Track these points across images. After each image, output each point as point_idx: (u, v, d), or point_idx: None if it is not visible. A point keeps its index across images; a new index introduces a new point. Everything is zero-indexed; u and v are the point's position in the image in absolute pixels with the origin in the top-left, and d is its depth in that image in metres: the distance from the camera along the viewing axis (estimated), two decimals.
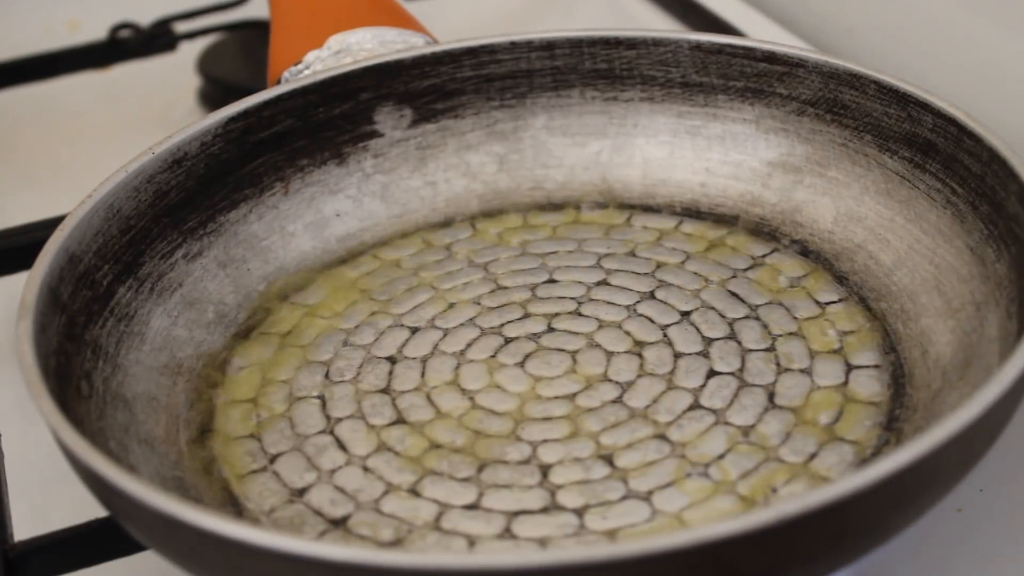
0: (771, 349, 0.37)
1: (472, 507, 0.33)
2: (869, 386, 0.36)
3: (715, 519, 0.32)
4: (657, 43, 0.44)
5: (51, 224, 0.38)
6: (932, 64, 0.55)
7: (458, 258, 0.42)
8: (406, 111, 0.45)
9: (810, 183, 0.42)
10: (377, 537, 0.32)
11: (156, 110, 0.62)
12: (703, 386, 0.36)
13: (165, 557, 0.30)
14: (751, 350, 0.37)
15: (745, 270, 0.41)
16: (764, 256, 0.41)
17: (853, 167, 0.41)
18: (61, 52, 0.62)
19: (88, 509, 0.33)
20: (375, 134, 0.45)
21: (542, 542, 0.32)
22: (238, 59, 0.63)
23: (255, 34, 0.64)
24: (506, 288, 0.41)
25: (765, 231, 0.42)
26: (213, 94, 0.62)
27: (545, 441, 0.35)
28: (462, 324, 0.39)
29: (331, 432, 0.36)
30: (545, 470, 0.34)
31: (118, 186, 0.38)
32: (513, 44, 0.45)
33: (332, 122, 0.44)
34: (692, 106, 0.44)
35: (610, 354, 0.37)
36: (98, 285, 0.37)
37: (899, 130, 0.40)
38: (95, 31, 0.63)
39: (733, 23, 0.59)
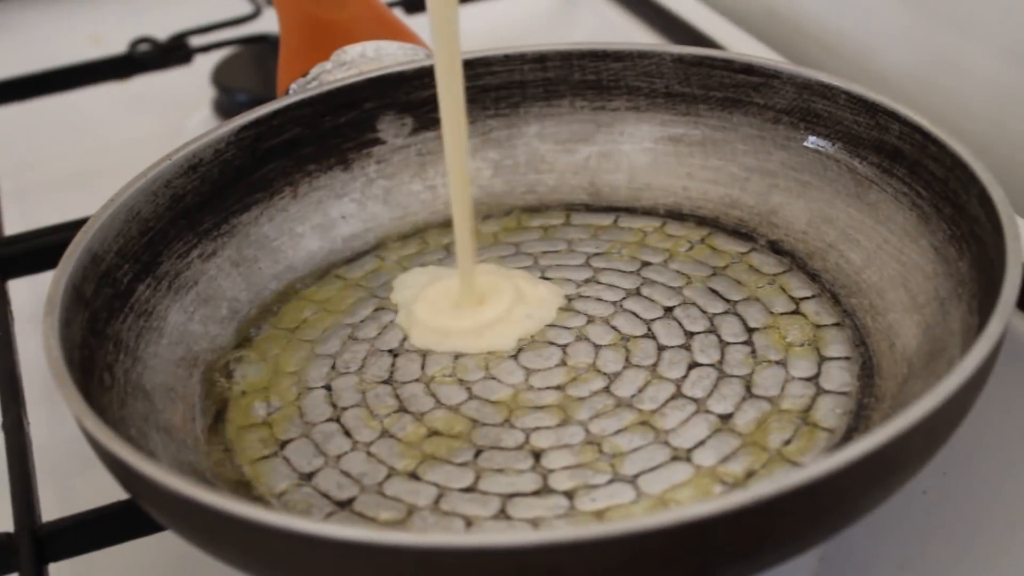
0: (748, 342, 0.37)
1: (469, 490, 0.33)
2: (840, 377, 0.36)
3: (696, 500, 0.32)
4: (642, 55, 0.44)
5: (75, 226, 0.38)
6: (901, 75, 0.55)
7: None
8: (407, 120, 0.45)
9: (785, 187, 0.42)
10: (380, 518, 0.32)
11: (173, 119, 0.62)
12: (685, 376, 0.36)
13: (182, 537, 0.30)
14: (730, 343, 0.37)
15: (724, 268, 0.41)
16: (742, 255, 0.41)
17: (825, 172, 0.41)
18: (84, 65, 0.62)
19: (111, 492, 0.33)
20: (378, 141, 0.44)
21: (535, 522, 0.32)
22: (250, 71, 0.63)
23: (266, 48, 0.64)
24: None
25: (743, 232, 0.42)
26: (226, 104, 0.62)
27: (537, 428, 0.35)
28: None
29: (337, 420, 0.36)
30: (537, 455, 0.34)
31: (138, 190, 0.38)
32: (507, 57, 0.45)
33: (338, 130, 0.44)
34: (675, 115, 0.44)
35: (598, 347, 0.37)
36: (119, 283, 0.37)
37: (868, 137, 0.40)
38: (116, 45, 0.63)
39: (713, 37, 0.59)
